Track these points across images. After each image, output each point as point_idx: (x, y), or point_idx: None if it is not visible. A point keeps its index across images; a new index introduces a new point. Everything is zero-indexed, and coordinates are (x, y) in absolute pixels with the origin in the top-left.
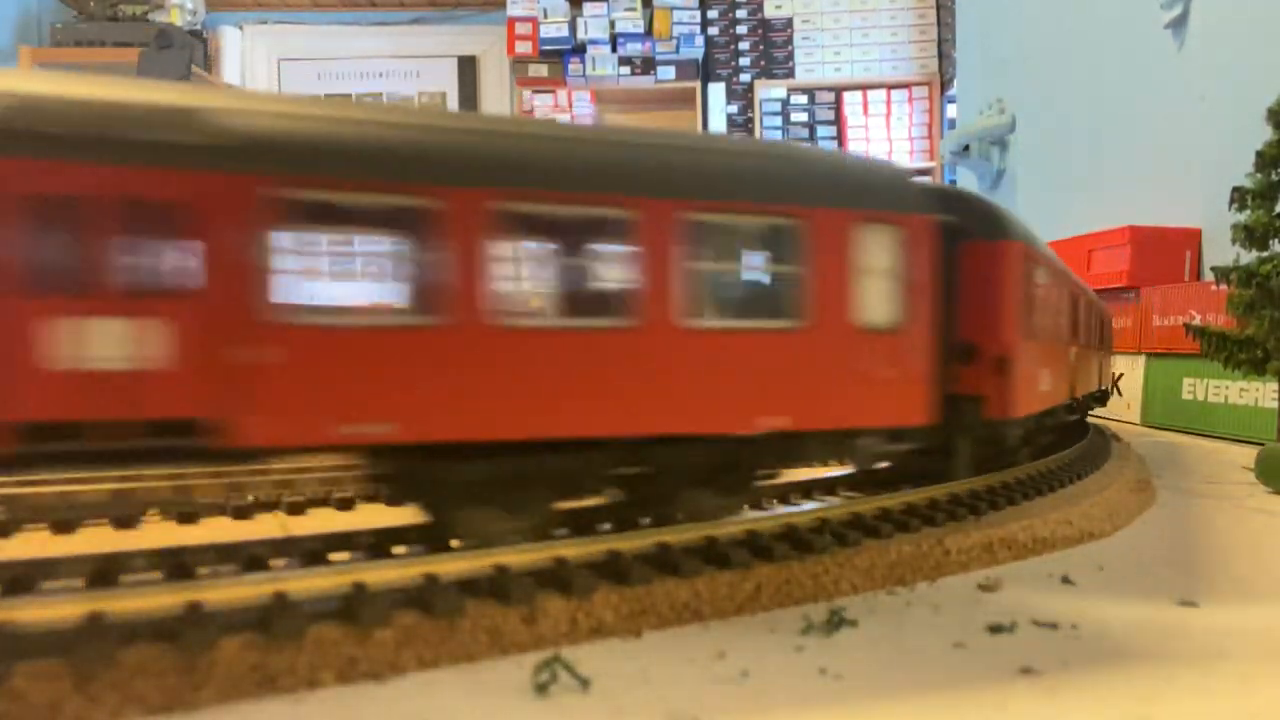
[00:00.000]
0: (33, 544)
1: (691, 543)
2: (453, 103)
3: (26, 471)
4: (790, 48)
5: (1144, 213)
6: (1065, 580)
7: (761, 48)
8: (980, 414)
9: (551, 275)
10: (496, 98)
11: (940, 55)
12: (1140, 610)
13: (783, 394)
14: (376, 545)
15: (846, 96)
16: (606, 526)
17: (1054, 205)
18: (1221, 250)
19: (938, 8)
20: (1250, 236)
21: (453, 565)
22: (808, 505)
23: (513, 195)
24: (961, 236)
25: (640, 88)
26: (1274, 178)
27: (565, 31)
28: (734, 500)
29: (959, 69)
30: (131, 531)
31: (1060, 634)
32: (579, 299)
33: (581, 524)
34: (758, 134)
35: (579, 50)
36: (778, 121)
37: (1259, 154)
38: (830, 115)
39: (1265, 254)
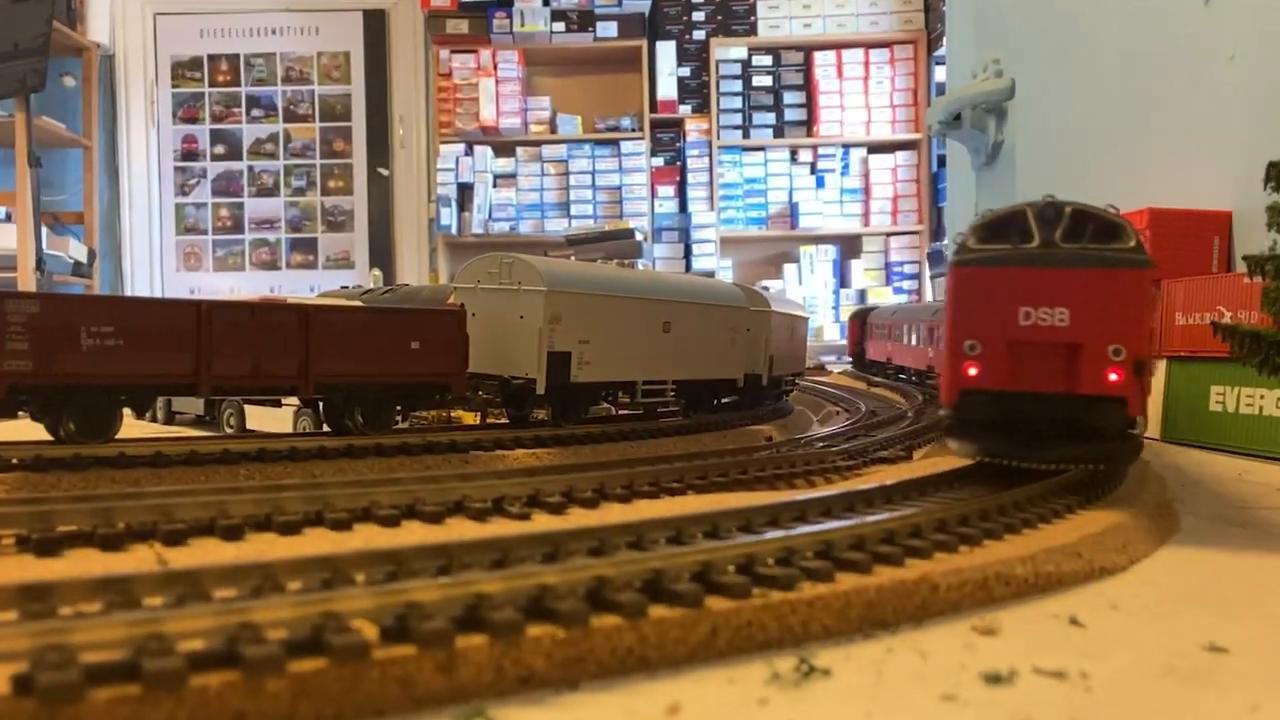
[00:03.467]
0: None
1: (635, 576)
2: (358, 65)
3: None
4: (752, 0)
5: (1164, 193)
6: (1073, 622)
7: (718, 0)
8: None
9: None
10: (409, 59)
11: (927, 9)
12: (1162, 657)
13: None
14: (268, 578)
15: (817, 57)
16: (535, 559)
17: (1059, 183)
18: (1255, 236)
19: None
20: None
21: (357, 601)
22: (771, 532)
23: None
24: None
25: (577, 47)
26: None
27: None
28: None
29: (949, 25)
30: None
31: (1068, 685)
32: None
33: (507, 556)
34: (714, 99)
35: (505, 3)
36: (737, 86)
37: None
38: (799, 79)
39: None
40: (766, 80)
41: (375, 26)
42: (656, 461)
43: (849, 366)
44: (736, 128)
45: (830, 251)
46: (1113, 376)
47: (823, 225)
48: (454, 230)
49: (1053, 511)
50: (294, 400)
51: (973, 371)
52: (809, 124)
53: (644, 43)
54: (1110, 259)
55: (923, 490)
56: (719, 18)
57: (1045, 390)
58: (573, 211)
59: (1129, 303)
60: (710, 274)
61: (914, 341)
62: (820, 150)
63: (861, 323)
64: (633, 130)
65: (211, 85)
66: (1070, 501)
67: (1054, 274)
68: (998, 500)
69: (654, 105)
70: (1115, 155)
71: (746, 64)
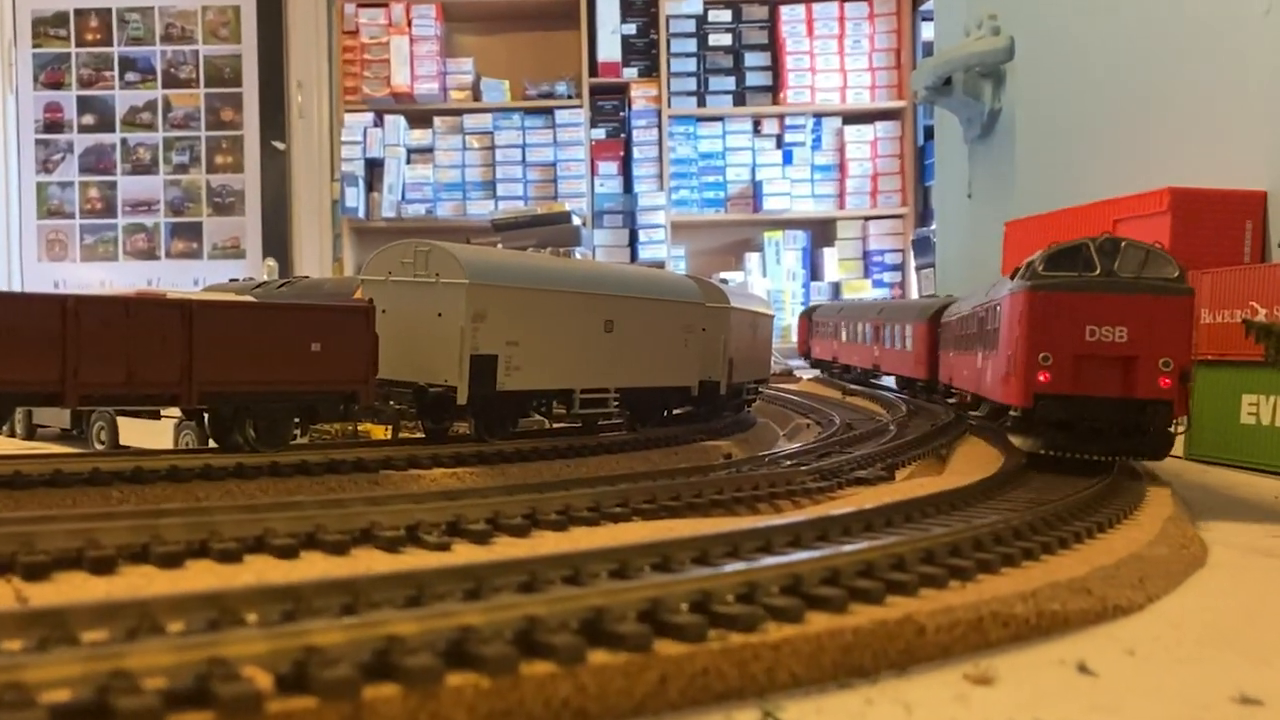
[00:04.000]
0: None
1: (572, 615)
2: (249, 21)
3: None
4: None
5: (1188, 170)
6: (1083, 669)
7: None
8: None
9: None
10: (308, 14)
11: None
12: (1185, 710)
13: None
14: (145, 618)
15: (784, 11)
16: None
17: (1065, 159)
18: None
19: None
20: None
21: (248, 645)
22: (731, 565)
23: None
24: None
25: (505, 0)
26: None
27: None
28: None
29: None
30: None
31: None
32: None
33: (423, 593)
34: (664, 61)
35: None
36: (691, 46)
37: None
38: (763, 37)
39: None
40: (725, 39)
41: None
42: (597, 483)
43: (820, 372)
44: (690, 94)
45: (799, 238)
46: (1164, 384)
47: (790, 208)
48: (361, 214)
49: (1058, 540)
50: (175, 412)
51: (1043, 377)
52: (774, 90)
53: None
54: (1160, 287)
55: (907, 516)
56: None
57: (1106, 395)
58: (500, 192)
59: (1176, 323)
60: (660, 264)
61: (859, 340)
62: (788, 120)
63: (809, 320)
64: (569, 97)
65: (79, 45)
66: (1078, 528)
67: (1115, 299)
68: (993, 528)
69: (594, 68)
70: (1130, 126)
71: (702, 20)
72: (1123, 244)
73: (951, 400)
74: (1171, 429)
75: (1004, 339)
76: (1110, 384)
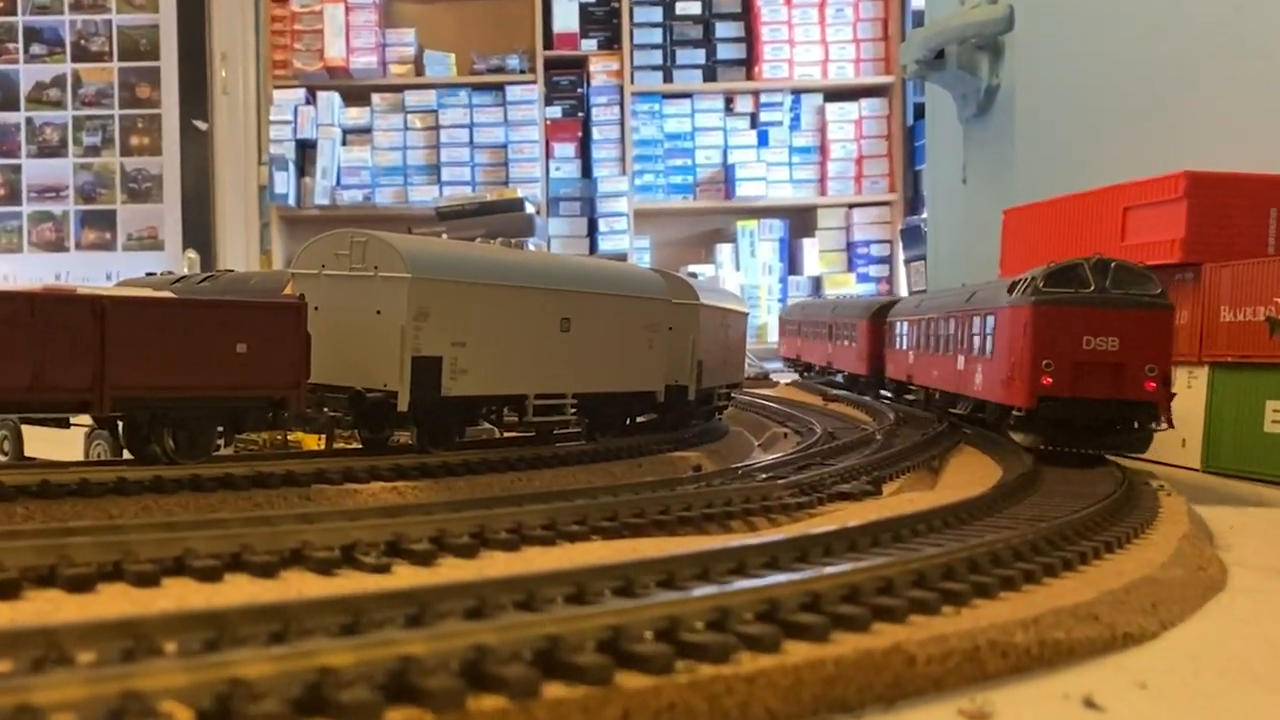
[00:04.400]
0: None
1: (525, 645)
2: None
3: None
4: None
5: (1205, 152)
6: (1089, 704)
7: None
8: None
9: None
10: None
11: None
12: None
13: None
14: (53, 648)
15: None
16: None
17: (1070, 140)
18: None
19: None
20: None
21: (167, 678)
22: (700, 589)
23: None
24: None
25: None
26: None
27: None
28: None
29: None
30: None
31: None
32: None
33: (360, 620)
34: (626, 33)
35: None
36: (657, 15)
37: None
38: (736, 7)
39: None
40: (694, 7)
41: None
42: (552, 498)
43: (799, 376)
44: (655, 69)
45: (776, 228)
46: (1149, 387)
47: (766, 194)
48: (292, 201)
49: (1062, 561)
50: (86, 419)
51: (1047, 381)
52: (749, 64)
53: None
54: (1145, 302)
55: (895, 534)
56: None
57: (1099, 396)
58: (445, 176)
59: (1159, 334)
60: (622, 257)
61: (816, 338)
62: (763, 98)
63: (781, 320)
64: (522, 72)
65: None
66: (1084, 548)
67: (1108, 313)
68: (990, 548)
69: (549, 40)
70: (1142, 104)
71: None
72: (1112, 264)
73: (910, 398)
74: (1153, 427)
75: (1005, 346)
76: (1103, 387)
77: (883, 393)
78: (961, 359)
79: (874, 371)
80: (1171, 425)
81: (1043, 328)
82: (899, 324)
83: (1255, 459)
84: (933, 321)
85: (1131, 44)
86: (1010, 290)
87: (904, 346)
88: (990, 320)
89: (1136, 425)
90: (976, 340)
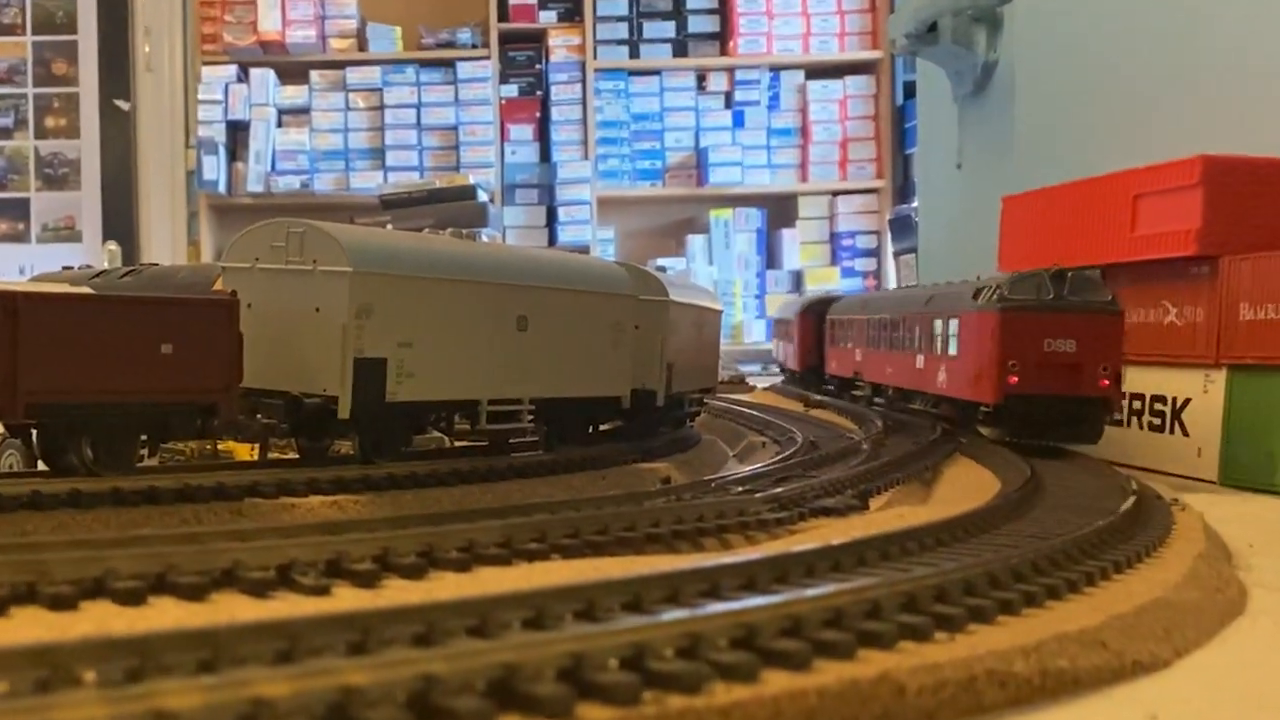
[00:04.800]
0: None
1: (477, 675)
2: None
3: None
4: None
5: (1222, 135)
6: None
7: None
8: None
9: None
10: None
11: None
12: None
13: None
14: None
15: None
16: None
17: (1074, 121)
18: None
19: None
20: None
21: (85, 709)
22: (670, 613)
23: None
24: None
25: None
26: None
27: None
28: None
29: None
30: None
31: None
32: None
33: (296, 647)
34: (589, 4)
35: None
36: (621, 5)
37: None
38: None
39: None
40: None
41: None
42: (507, 513)
43: (780, 380)
44: (621, 43)
45: (753, 218)
46: (1103, 384)
47: (742, 181)
48: (222, 188)
49: (1066, 583)
50: None
51: (1013, 379)
52: (723, 38)
53: None
54: (1099, 307)
55: (884, 553)
56: None
57: (1059, 393)
58: (390, 161)
59: (1111, 336)
60: (584, 249)
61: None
62: (739, 75)
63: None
64: (474, 47)
65: None
66: (1091, 568)
67: (1066, 317)
68: (988, 568)
69: (504, 12)
70: (1153, 82)
71: None
72: (1068, 273)
73: (858, 393)
74: (1109, 420)
75: (973, 348)
76: (1062, 384)
77: (825, 388)
78: (921, 358)
79: (808, 366)
80: (1119, 416)
81: (1008, 331)
82: (843, 322)
83: (1278, 471)
84: (885, 321)
85: (1143, 16)
86: (975, 296)
87: (849, 344)
88: (954, 323)
89: (1093, 419)
90: (939, 341)
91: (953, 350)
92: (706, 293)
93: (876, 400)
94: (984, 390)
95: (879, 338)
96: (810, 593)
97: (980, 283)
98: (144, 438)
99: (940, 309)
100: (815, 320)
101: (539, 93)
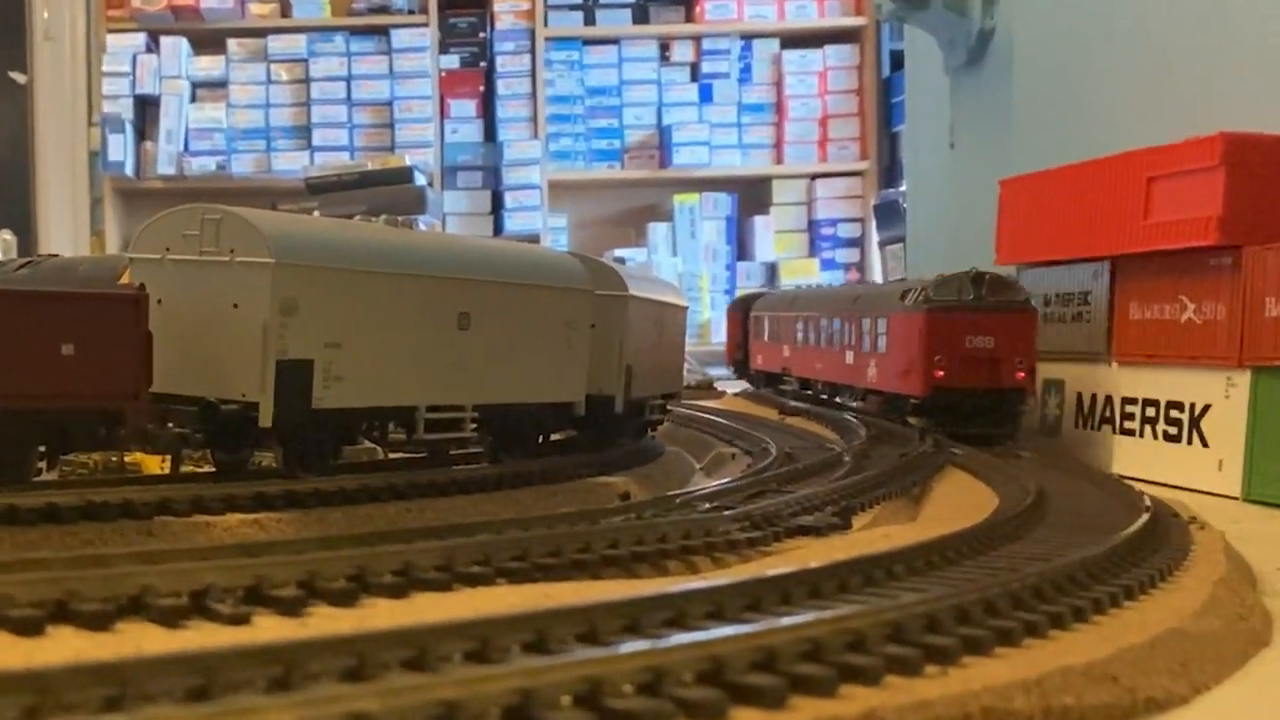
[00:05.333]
0: None
1: (414, 713)
2: None
3: None
4: None
5: (1246, 110)
6: None
7: None
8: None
9: None
10: None
11: None
12: None
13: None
14: None
15: None
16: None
17: (1080, 96)
18: None
19: None
20: None
21: None
22: (629, 644)
23: None
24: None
25: None
26: None
27: None
28: None
29: None
30: None
31: None
32: None
33: (212, 682)
34: None
35: None
36: None
37: None
38: None
39: None
40: None
41: None
42: (448, 533)
43: (750, 385)
44: (575, 8)
45: (722, 204)
46: (1019, 376)
47: (710, 162)
48: (129, 170)
49: (1072, 611)
50: None
51: (939, 374)
52: (689, 3)
53: None
54: (1015, 306)
55: (868, 577)
56: None
57: (980, 386)
58: (316, 140)
59: (1026, 332)
60: (534, 239)
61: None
62: (706, 44)
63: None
64: (411, 13)
65: None
66: (1099, 594)
67: (986, 316)
68: (984, 594)
69: None
70: (1169, 50)
71: None
72: (987, 275)
73: (786, 387)
74: (1024, 409)
75: (902, 345)
76: (983, 378)
77: (746, 383)
78: (851, 354)
79: (735, 361)
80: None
81: (933, 330)
82: (770, 318)
83: None
84: (814, 319)
85: None
86: (903, 297)
87: (777, 340)
88: (884, 322)
89: (1010, 409)
90: (868, 339)
91: (882, 347)
92: (670, 287)
93: (804, 393)
94: (913, 384)
95: (807, 335)
96: (785, 622)
97: (906, 284)
98: (41, 449)
99: (869, 309)
100: (742, 316)
101: (483, 64)
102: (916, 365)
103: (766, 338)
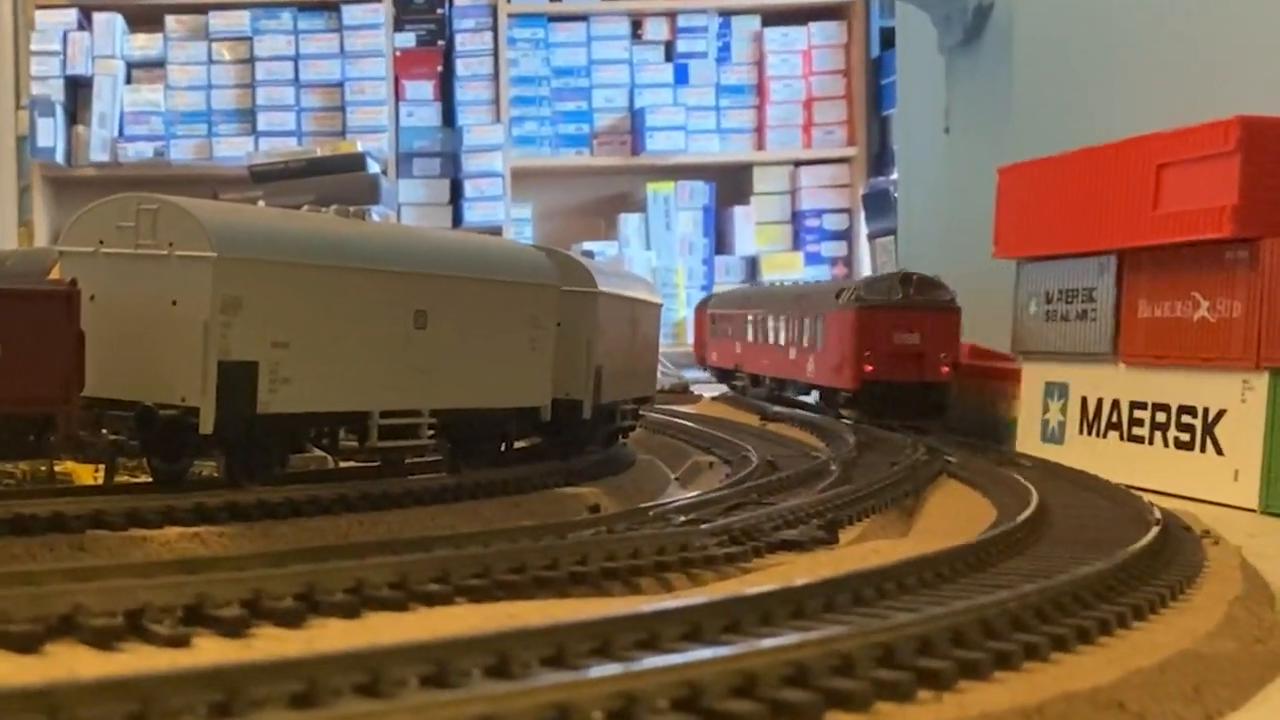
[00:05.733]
0: None
1: None
2: None
3: None
4: None
5: (1268, 92)
6: None
7: None
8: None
9: None
10: None
11: None
12: None
13: None
14: None
15: None
16: None
17: (1084, 75)
18: None
19: None
20: None
21: None
22: (600, 668)
23: None
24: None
25: None
26: None
27: None
28: None
29: None
30: None
31: None
32: None
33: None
34: None
35: None
36: None
37: None
38: None
39: None
40: None
41: None
42: (404, 548)
43: (729, 389)
44: None
45: (699, 193)
46: (943, 370)
47: (686, 148)
48: (59, 157)
49: (1076, 632)
50: None
51: (869, 368)
52: None
53: None
54: (939, 305)
55: (856, 595)
56: None
57: (907, 379)
58: (262, 124)
59: (950, 329)
60: (497, 231)
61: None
62: (681, 20)
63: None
64: None
65: None
66: (1105, 614)
67: (912, 314)
68: (981, 613)
69: None
70: (1181, 27)
71: None
72: (914, 276)
73: (738, 383)
74: (947, 401)
75: (836, 342)
76: (909, 371)
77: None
78: (794, 351)
79: (700, 361)
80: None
81: (864, 327)
82: (724, 315)
83: None
84: (761, 317)
85: None
86: (837, 296)
87: (729, 337)
88: (820, 321)
89: (935, 401)
90: (807, 336)
91: (819, 344)
92: (643, 283)
93: (755, 389)
94: (845, 378)
95: (756, 333)
96: (767, 644)
97: (841, 284)
98: None
99: (809, 308)
100: (698, 313)
101: (441, 43)
102: (848, 360)
103: (721, 335)
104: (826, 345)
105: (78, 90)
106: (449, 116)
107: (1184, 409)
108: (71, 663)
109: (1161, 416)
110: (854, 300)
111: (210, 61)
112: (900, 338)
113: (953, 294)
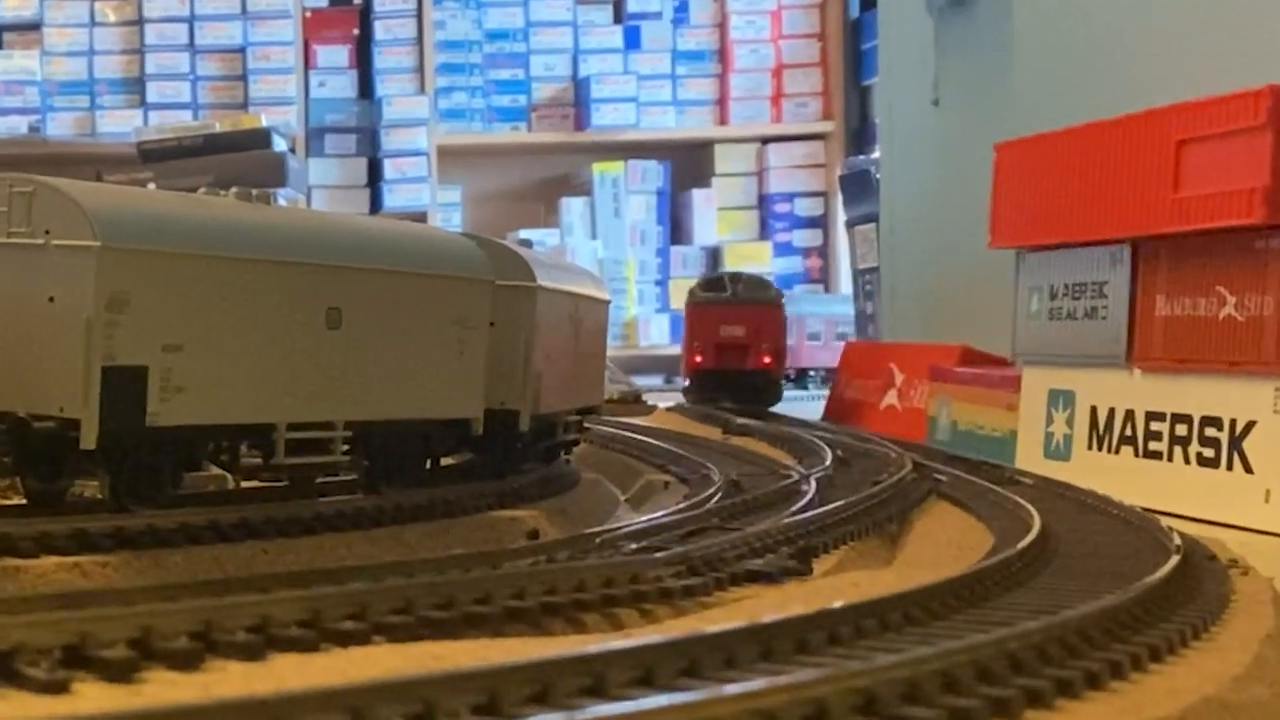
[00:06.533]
0: None
1: None
2: None
3: None
4: None
5: None
6: None
7: None
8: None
9: None
10: None
11: None
12: None
13: None
14: None
15: None
16: None
17: (1093, 39)
18: None
19: None
20: None
21: None
22: (541, 717)
23: None
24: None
25: None
26: None
27: None
28: None
29: None
30: None
31: None
32: None
33: None
34: None
35: None
36: None
37: None
38: None
39: None
40: None
41: None
42: (314, 580)
43: (684, 399)
44: None
45: (653, 174)
46: (766, 360)
47: (637, 123)
48: None
49: (1084, 676)
50: None
51: (699, 359)
52: None
53: None
54: (763, 300)
55: (832, 634)
56: None
57: (733, 368)
58: (152, 96)
59: (773, 323)
60: (421, 217)
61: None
62: None
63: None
64: None
65: None
66: (1119, 655)
67: (737, 309)
68: (976, 655)
69: None
70: None
71: None
72: (742, 275)
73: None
74: (777, 386)
75: (682, 335)
76: (735, 361)
77: None
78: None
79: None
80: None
81: (695, 321)
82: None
83: None
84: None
85: None
86: (690, 294)
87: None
88: (681, 315)
89: (760, 387)
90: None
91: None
92: (589, 277)
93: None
94: (685, 366)
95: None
96: (731, 690)
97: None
98: None
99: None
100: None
101: (357, 1)
102: (684, 352)
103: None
104: (682, 338)
105: None
106: (366, 87)
107: (1207, 420)
108: None
109: (1182, 429)
110: (688, 297)
111: (93, 24)
112: (726, 331)
113: (778, 291)
